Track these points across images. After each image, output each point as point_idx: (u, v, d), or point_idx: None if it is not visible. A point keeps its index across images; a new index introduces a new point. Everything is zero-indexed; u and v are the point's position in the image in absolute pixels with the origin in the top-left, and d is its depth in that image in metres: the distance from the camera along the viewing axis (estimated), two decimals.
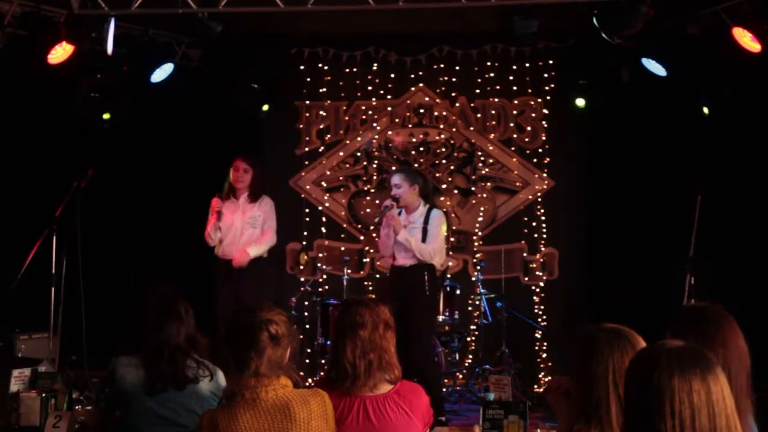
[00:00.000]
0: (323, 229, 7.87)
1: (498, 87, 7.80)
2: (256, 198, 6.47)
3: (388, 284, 6.40)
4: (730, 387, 1.74)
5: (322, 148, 7.91)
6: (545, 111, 7.80)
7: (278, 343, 2.64)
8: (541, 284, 7.70)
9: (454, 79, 7.82)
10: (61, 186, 5.90)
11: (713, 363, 1.74)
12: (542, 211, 7.74)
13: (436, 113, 7.88)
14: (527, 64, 7.76)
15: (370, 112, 7.90)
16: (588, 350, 2.18)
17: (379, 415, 2.92)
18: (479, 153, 7.82)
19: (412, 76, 7.86)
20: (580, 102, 7.44)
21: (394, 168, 7.46)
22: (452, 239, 7.60)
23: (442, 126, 7.87)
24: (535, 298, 7.68)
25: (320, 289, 7.56)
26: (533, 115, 7.83)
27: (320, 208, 7.89)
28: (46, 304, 5.85)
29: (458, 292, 6.95)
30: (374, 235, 7.83)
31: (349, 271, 7.24)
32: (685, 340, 1.83)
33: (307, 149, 7.93)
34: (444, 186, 7.78)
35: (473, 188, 7.82)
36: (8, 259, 5.97)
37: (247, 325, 2.64)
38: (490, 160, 7.82)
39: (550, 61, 7.74)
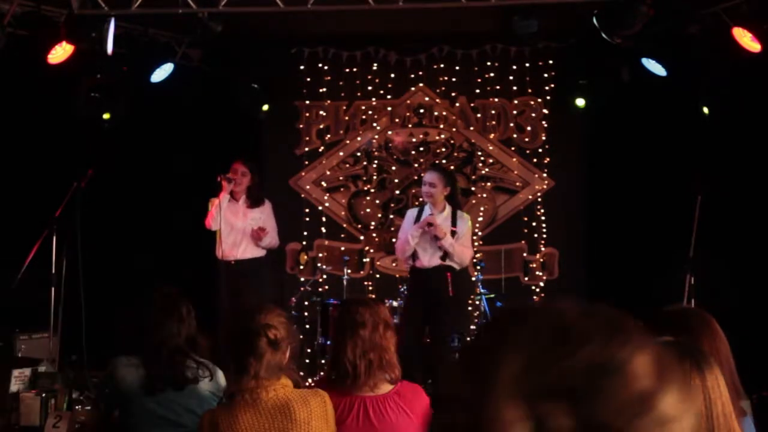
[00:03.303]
0: (323, 229, 7.87)
1: (498, 87, 7.80)
2: (256, 203, 6.51)
3: (410, 286, 6.37)
4: None
5: (322, 148, 7.91)
6: (545, 111, 7.80)
7: (277, 347, 2.63)
8: (541, 284, 7.70)
9: (454, 79, 7.82)
10: (61, 186, 5.90)
11: (707, 354, 1.74)
12: (542, 211, 7.74)
13: (436, 113, 7.88)
14: (527, 64, 7.76)
15: (370, 112, 7.90)
16: None
17: (379, 415, 2.92)
18: (479, 153, 7.82)
19: (412, 76, 7.86)
20: (580, 102, 7.44)
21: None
22: None
23: (442, 126, 7.87)
24: (535, 298, 7.67)
25: (320, 289, 7.56)
26: (533, 115, 7.83)
27: (320, 208, 7.89)
28: (46, 304, 5.85)
29: None
30: (374, 235, 7.84)
31: (349, 271, 7.24)
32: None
33: (307, 149, 7.93)
34: None
35: (473, 188, 7.81)
36: (8, 259, 5.96)
37: (245, 331, 2.63)
38: (490, 160, 7.82)
39: (550, 61, 7.74)
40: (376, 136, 7.90)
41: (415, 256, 6.04)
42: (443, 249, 5.88)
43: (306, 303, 7.45)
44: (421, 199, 6.19)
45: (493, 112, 7.85)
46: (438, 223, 5.91)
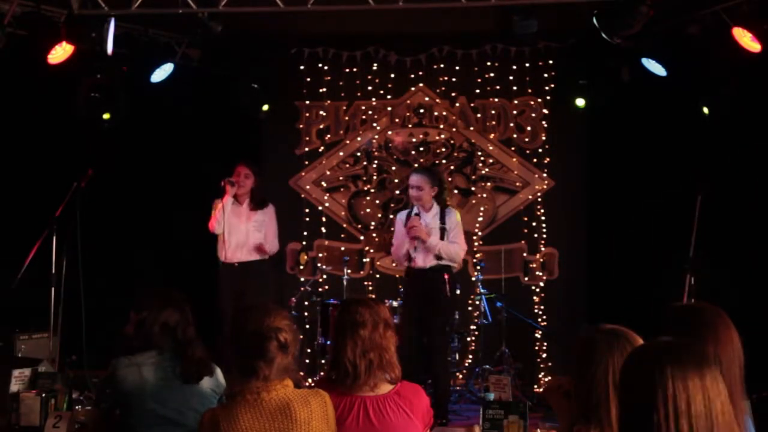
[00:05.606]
0: (323, 229, 7.87)
1: (498, 87, 7.80)
2: (259, 206, 6.52)
3: (406, 287, 6.31)
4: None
5: (322, 148, 7.92)
6: (545, 111, 7.80)
7: (286, 350, 2.64)
8: (541, 284, 7.70)
9: (454, 79, 7.82)
10: (61, 186, 5.90)
11: (707, 355, 1.74)
12: (542, 211, 7.74)
13: (436, 113, 7.88)
14: (527, 64, 7.76)
15: (370, 112, 7.90)
16: (587, 351, 2.18)
17: (379, 416, 2.92)
18: (479, 153, 7.83)
19: (412, 76, 7.87)
20: (580, 102, 7.44)
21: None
22: None
23: (442, 126, 7.87)
24: (535, 298, 7.68)
25: (320, 289, 7.56)
26: (533, 115, 7.83)
27: (320, 208, 7.89)
28: (46, 304, 5.85)
29: (458, 292, 6.95)
30: (374, 235, 7.84)
31: (349, 271, 7.24)
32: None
33: (307, 149, 7.94)
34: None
35: (473, 188, 7.82)
36: (8, 259, 5.96)
37: (255, 334, 2.62)
38: (490, 160, 7.82)
39: (550, 61, 7.75)
40: (376, 136, 7.90)
41: (410, 257, 6.03)
42: (430, 250, 5.88)
43: (306, 303, 7.46)
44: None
45: (493, 112, 7.86)
46: (420, 225, 5.89)
